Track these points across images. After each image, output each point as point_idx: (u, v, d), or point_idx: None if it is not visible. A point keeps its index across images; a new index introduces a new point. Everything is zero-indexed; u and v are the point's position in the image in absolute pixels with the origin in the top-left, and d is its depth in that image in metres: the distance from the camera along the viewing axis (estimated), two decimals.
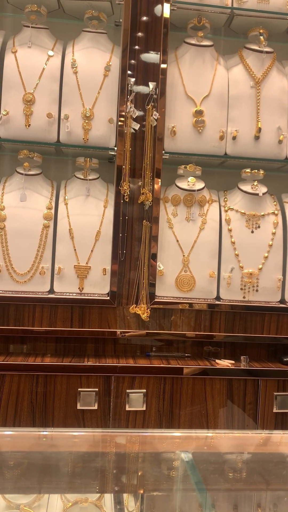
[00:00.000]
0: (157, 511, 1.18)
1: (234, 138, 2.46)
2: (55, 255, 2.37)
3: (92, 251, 2.38)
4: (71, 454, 1.38)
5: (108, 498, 1.23)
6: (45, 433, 1.61)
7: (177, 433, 1.59)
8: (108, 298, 2.36)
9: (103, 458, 1.38)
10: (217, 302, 2.43)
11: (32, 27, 2.40)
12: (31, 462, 1.42)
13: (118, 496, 1.23)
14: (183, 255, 2.42)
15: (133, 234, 2.38)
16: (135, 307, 2.36)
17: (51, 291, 2.37)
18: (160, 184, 2.38)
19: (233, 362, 2.39)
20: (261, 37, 2.48)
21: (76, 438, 1.53)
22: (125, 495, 1.24)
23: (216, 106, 2.47)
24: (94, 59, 2.42)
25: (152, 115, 2.36)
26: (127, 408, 2.24)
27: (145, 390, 2.25)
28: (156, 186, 2.37)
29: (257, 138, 2.47)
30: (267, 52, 2.50)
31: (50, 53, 2.40)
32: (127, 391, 2.24)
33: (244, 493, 1.20)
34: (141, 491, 1.23)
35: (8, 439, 1.53)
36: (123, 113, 2.34)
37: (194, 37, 2.49)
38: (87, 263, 2.37)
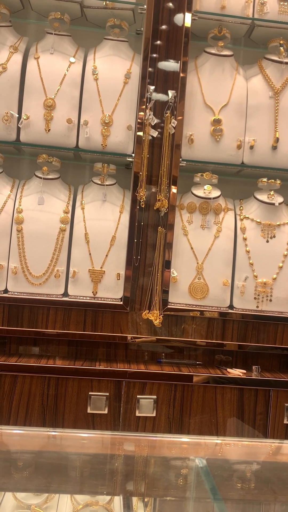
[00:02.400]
0: None
1: (251, 147, 2.47)
2: (70, 259, 2.39)
3: (106, 255, 2.40)
4: (84, 456, 1.39)
5: (119, 502, 1.23)
6: (54, 433, 1.62)
7: (190, 439, 1.59)
8: (121, 303, 2.37)
9: (114, 461, 1.39)
10: (230, 311, 2.43)
11: (55, 34, 2.44)
12: (39, 462, 1.43)
13: (128, 500, 1.23)
14: (197, 263, 2.42)
15: (147, 240, 2.39)
16: (148, 313, 2.37)
17: (65, 294, 2.39)
18: (176, 191, 2.40)
19: (244, 371, 2.38)
20: (281, 48, 2.49)
21: (86, 439, 1.54)
22: (135, 499, 1.24)
23: (234, 116, 2.48)
24: (114, 67, 2.45)
25: (170, 123, 2.38)
26: (137, 414, 2.24)
27: (155, 397, 2.25)
28: (172, 193, 2.39)
29: (274, 148, 2.48)
30: (286, 63, 2.51)
31: (72, 59, 2.44)
32: (138, 396, 2.24)
33: (258, 501, 1.19)
34: (153, 496, 1.23)
35: (16, 438, 1.54)
36: (142, 120, 2.37)
37: (214, 46, 2.51)
38: (101, 267, 2.39)
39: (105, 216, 2.43)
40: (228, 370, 2.40)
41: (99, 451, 1.43)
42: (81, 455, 1.46)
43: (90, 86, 2.43)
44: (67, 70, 2.42)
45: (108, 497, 1.25)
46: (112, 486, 1.30)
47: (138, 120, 2.38)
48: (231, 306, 2.45)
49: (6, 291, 2.36)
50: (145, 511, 1.21)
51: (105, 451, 1.44)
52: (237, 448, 1.46)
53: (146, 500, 1.22)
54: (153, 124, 2.37)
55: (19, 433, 1.63)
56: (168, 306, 2.38)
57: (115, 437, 1.56)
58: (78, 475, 1.33)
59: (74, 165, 2.63)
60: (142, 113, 2.37)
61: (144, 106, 2.36)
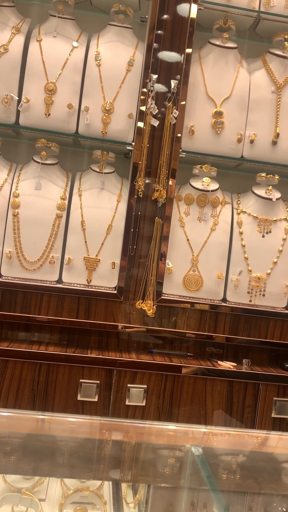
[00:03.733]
0: (160, 502, 1.19)
1: (251, 141, 2.47)
2: (66, 246, 2.38)
3: (102, 244, 2.39)
4: (74, 442, 1.39)
5: (108, 487, 1.24)
6: (42, 417, 1.62)
7: (186, 428, 1.60)
8: (115, 292, 2.36)
9: (107, 448, 1.39)
10: (223, 304, 2.44)
11: (58, 17, 2.41)
12: (28, 446, 1.43)
13: (117, 486, 1.24)
14: (193, 255, 2.43)
15: (144, 231, 2.38)
16: (142, 303, 2.37)
17: (60, 281, 2.38)
18: (174, 183, 2.39)
19: (235, 364, 2.40)
20: (286, 43, 2.48)
21: (75, 424, 1.54)
22: (124, 485, 1.25)
23: (236, 109, 2.47)
24: (118, 53, 2.42)
25: (172, 113, 2.36)
26: (127, 403, 2.25)
27: (146, 386, 2.26)
28: (170, 184, 2.38)
29: (274, 143, 2.48)
30: None
31: (75, 44, 2.41)
32: (128, 385, 2.25)
33: (253, 489, 1.20)
34: (145, 483, 1.24)
35: (4, 420, 1.53)
36: (143, 109, 2.35)
37: (219, 38, 2.50)
38: (96, 255, 2.38)
39: (102, 204, 2.42)
40: (219, 362, 2.41)
41: (91, 436, 1.44)
42: (71, 440, 1.46)
43: (92, 72, 2.40)
44: (70, 55, 2.39)
45: (99, 482, 1.26)
46: (103, 472, 1.30)
47: (140, 109, 2.36)
48: (224, 300, 2.46)
49: None
50: (135, 498, 1.22)
51: (98, 437, 1.44)
52: (233, 438, 1.47)
53: (137, 485, 1.23)
54: (154, 114, 2.35)
55: (8, 416, 1.62)
56: (162, 297, 2.38)
57: (105, 423, 1.57)
58: (69, 460, 1.33)
59: (72, 151, 2.61)
60: (144, 102, 2.35)
61: (146, 95, 2.34)
